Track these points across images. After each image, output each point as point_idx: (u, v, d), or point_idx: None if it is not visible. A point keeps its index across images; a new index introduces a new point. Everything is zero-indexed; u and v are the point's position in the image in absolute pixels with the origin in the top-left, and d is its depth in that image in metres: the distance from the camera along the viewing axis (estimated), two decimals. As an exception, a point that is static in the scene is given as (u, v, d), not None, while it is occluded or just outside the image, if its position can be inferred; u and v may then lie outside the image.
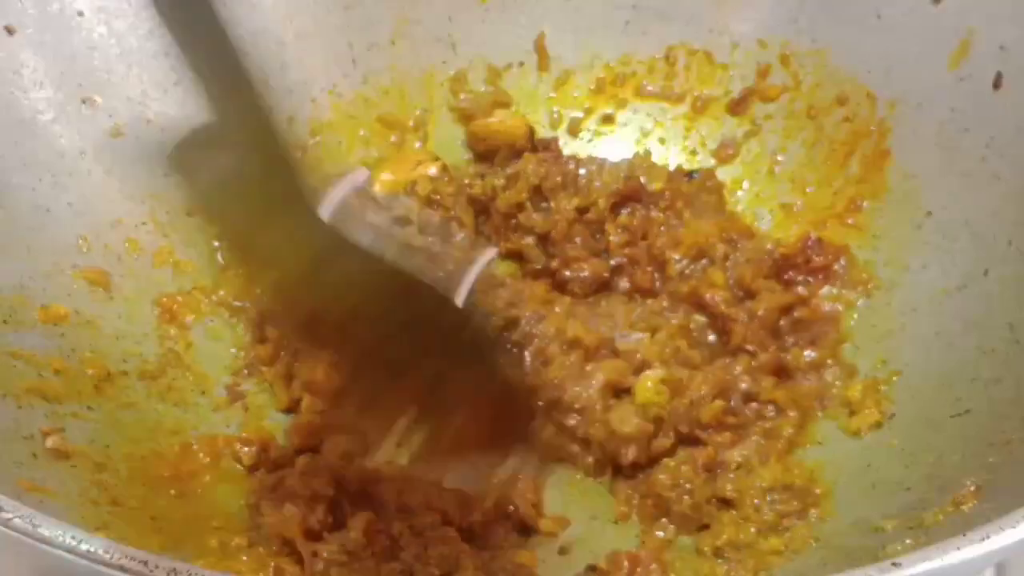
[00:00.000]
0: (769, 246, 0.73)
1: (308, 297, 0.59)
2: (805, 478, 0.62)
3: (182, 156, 0.56)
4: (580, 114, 0.81)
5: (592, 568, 0.56)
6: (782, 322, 0.69)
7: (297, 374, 0.66)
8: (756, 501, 0.61)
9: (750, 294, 0.70)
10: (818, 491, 0.61)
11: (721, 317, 0.69)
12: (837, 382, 0.67)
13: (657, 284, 0.73)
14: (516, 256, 0.74)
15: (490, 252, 0.57)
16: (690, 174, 0.79)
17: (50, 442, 0.55)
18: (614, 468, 0.65)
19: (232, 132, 0.52)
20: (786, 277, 0.72)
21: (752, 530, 0.60)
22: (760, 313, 0.68)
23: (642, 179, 0.76)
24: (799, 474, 0.62)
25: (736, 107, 0.79)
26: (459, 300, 0.50)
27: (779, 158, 0.78)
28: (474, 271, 0.54)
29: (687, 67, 0.80)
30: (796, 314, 0.70)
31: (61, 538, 0.40)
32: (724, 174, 0.79)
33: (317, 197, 0.51)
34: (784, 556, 0.57)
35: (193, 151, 0.54)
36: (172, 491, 0.59)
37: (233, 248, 0.64)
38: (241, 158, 0.54)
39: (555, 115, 0.81)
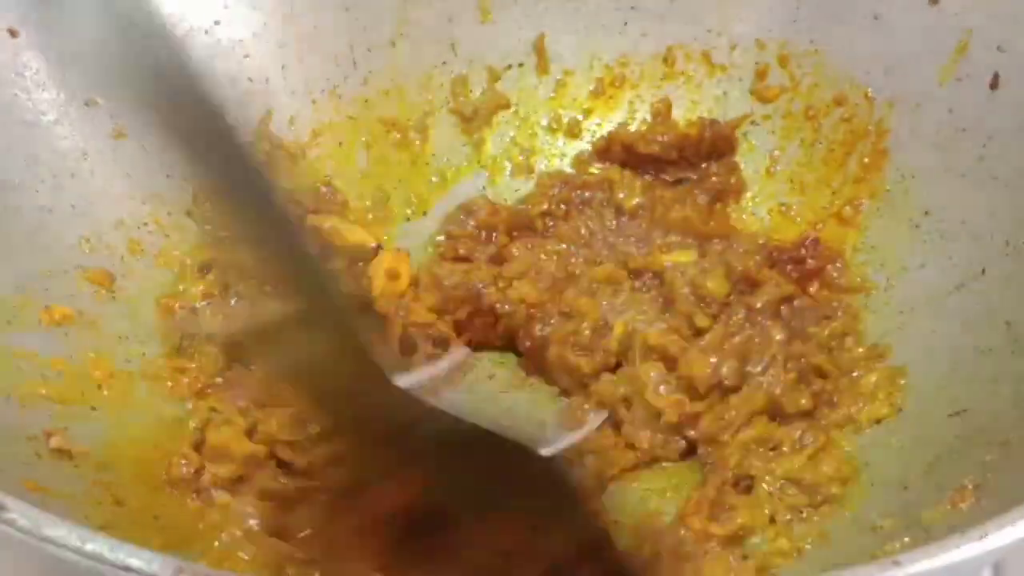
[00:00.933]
0: (761, 240, 0.74)
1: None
2: (833, 471, 0.62)
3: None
4: (580, 116, 0.81)
5: None
6: (783, 309, 0.70)
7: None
8: (771, 488, 0.61)
9: (754, 284, 0.70)
10: (834, 490, 0.61)
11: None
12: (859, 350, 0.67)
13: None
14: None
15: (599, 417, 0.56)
16: (678, 181, 0.79)
17: (54, 442, 0.55)
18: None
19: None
20: (787, 269, 0.72)
21: (765, 512, 0.60)
22: (759, 305, 0.69)
23: (620, 194, 0.77)
24: (825, 471, 0.62)
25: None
26: (546, 450, 0.49)
27: (777, 159, 0.78)
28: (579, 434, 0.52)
29: (686, 68, 0.80)
30: (796, 303, 0.70)
31: (65, 538, 0.40)
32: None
33: (397, 367, 0.48)
34: (785, 556, 0.58)
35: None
36: (175, 490, 0.60)
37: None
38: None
39: (555, 116, 0.82)
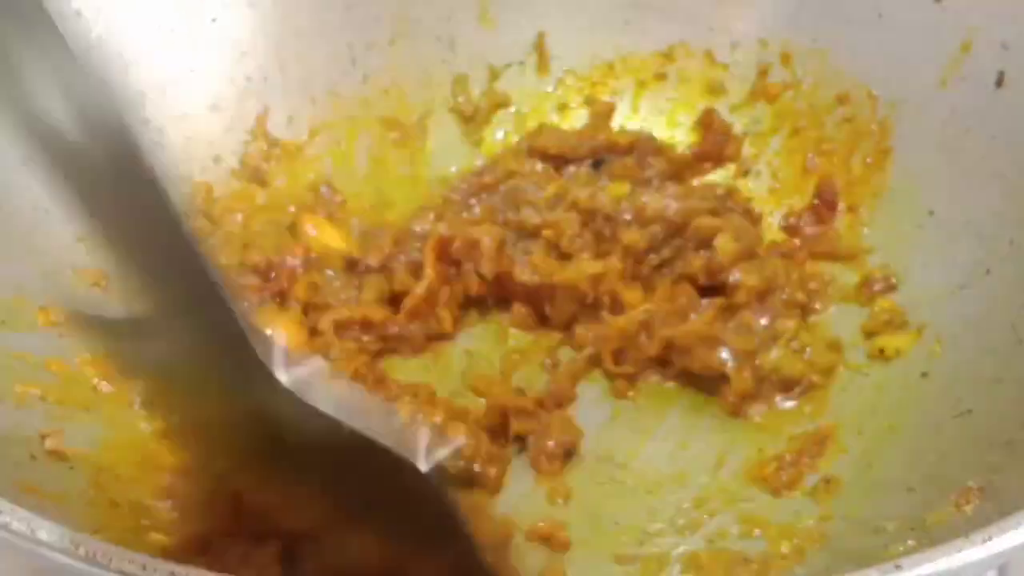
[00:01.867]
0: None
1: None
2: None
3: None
4: (581, 112, 0.81)
5: None
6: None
7: None
8: None
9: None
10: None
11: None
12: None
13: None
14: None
15: (455, 442, 0.54)
16: None
17: (49, 444, 0.55)
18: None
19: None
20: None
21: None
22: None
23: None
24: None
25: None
26: (422, 464, 0.44)
27: (779, 158, 0.78)
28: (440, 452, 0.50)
29: (687, 66, 0.80)
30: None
31: (59, 541, 0.40)
32: (723, 174, 0.79)
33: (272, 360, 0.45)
34: (787, 559, 0.57)
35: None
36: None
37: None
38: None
39: (555, 115, 0.81)
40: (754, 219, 0.74)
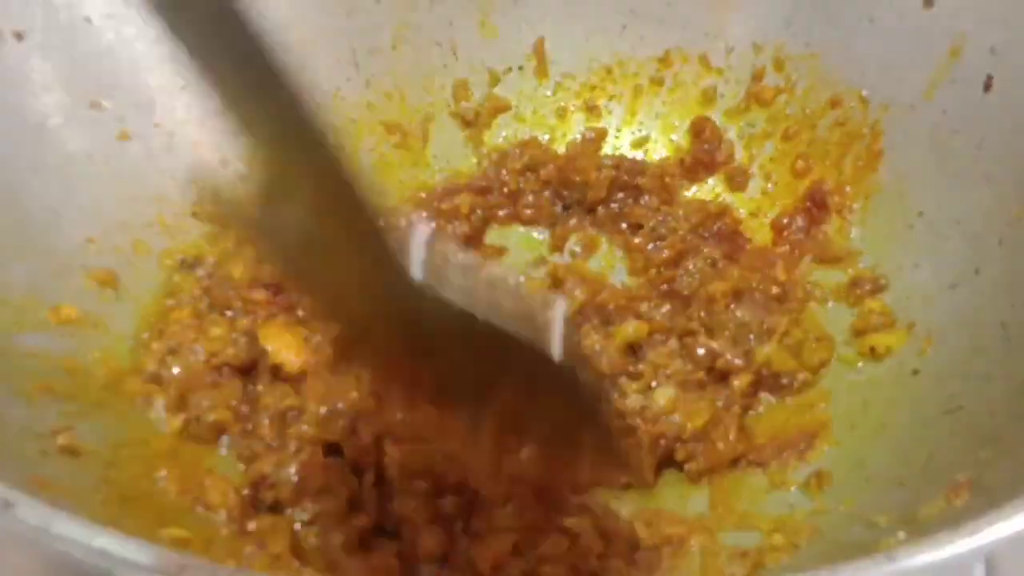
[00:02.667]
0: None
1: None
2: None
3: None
4: (579, 117, 0.82)
5: None
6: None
7: None
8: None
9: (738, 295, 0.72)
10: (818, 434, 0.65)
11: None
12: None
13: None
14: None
15: (561, 304, 0.56)
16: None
17: (61, 440, 0.56)
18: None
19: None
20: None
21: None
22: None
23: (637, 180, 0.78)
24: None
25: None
26: (555, 354, 0.47)
27: (772, 161, 0.79)
28: (557, 325, 0.48)
29: (682, 71, 0.81)
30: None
31: (73, 535, 0.40)
32: (718, 176, 0.80)
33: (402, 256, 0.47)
34: (781, 551, 0.58)
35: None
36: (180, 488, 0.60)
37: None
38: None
39: (553, 118, 0.82)
40: (741, 242, 0.76)
